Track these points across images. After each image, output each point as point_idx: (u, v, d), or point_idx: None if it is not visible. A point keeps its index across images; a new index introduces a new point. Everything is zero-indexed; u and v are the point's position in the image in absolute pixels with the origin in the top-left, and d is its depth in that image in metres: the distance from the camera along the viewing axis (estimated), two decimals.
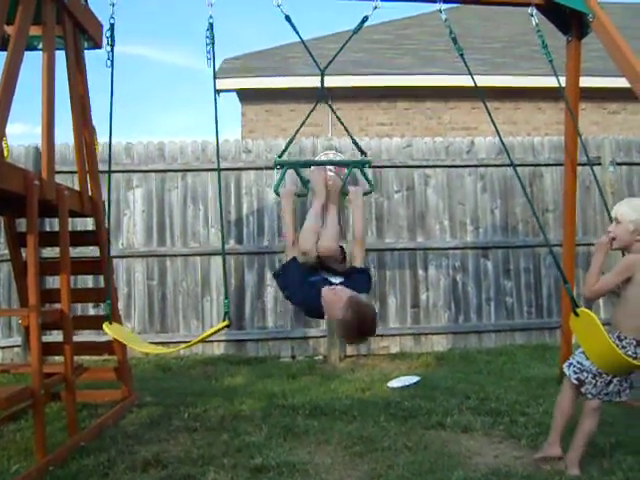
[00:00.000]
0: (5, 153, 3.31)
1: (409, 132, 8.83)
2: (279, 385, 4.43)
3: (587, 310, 2.43)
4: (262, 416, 3.53)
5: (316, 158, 5.86)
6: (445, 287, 6.08)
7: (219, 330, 3.06)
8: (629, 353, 2.44)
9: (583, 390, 2.57)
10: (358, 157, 3.14)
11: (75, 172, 3.87)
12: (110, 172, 3.38)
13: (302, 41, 3.07)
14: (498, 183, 6.25)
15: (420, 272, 6.06)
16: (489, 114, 3.04)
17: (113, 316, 3.87)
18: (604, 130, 8.86)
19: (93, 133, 3.93)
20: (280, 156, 2.97)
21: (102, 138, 4.03)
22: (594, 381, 2.53)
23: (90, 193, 3.84)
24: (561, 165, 5.05)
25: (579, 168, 4.50)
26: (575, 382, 2.58)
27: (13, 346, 5.78)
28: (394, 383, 4.38)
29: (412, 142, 6.27)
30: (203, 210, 6.02)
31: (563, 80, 4.13)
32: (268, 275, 5.97)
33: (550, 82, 6.60)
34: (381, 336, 5.82)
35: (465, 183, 6.16)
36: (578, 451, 2.55)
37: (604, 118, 9.39)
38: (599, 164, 6.21)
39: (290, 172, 2.95)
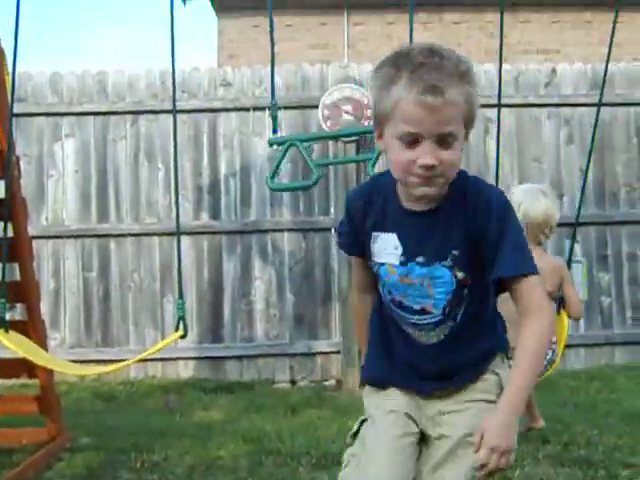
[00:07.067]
0: None
1: None
2: (273, 422, 4.46)
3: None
4: (248, 466, 3.54)
5: (325, 96, 5.76)
6: None
7: (169, 343, 3.05)
8: None
9: None
10: None
11: None
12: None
13: None
14: (591, 130, 6.15)
15: None
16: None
17: (34, 323, 3.89)
18: None
19: (1, 57, 3.87)
20: (274, 129, 2.86)
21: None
22: None
23: None
24: None
25: None
26: None
27: None
28: None
29: None
30: (164, 170, 5.99)
31: None
32: (257, 263, 5.95)
33: None
34: None
35: (542, 130, 6.10)
36: None
37: None
38: None
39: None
